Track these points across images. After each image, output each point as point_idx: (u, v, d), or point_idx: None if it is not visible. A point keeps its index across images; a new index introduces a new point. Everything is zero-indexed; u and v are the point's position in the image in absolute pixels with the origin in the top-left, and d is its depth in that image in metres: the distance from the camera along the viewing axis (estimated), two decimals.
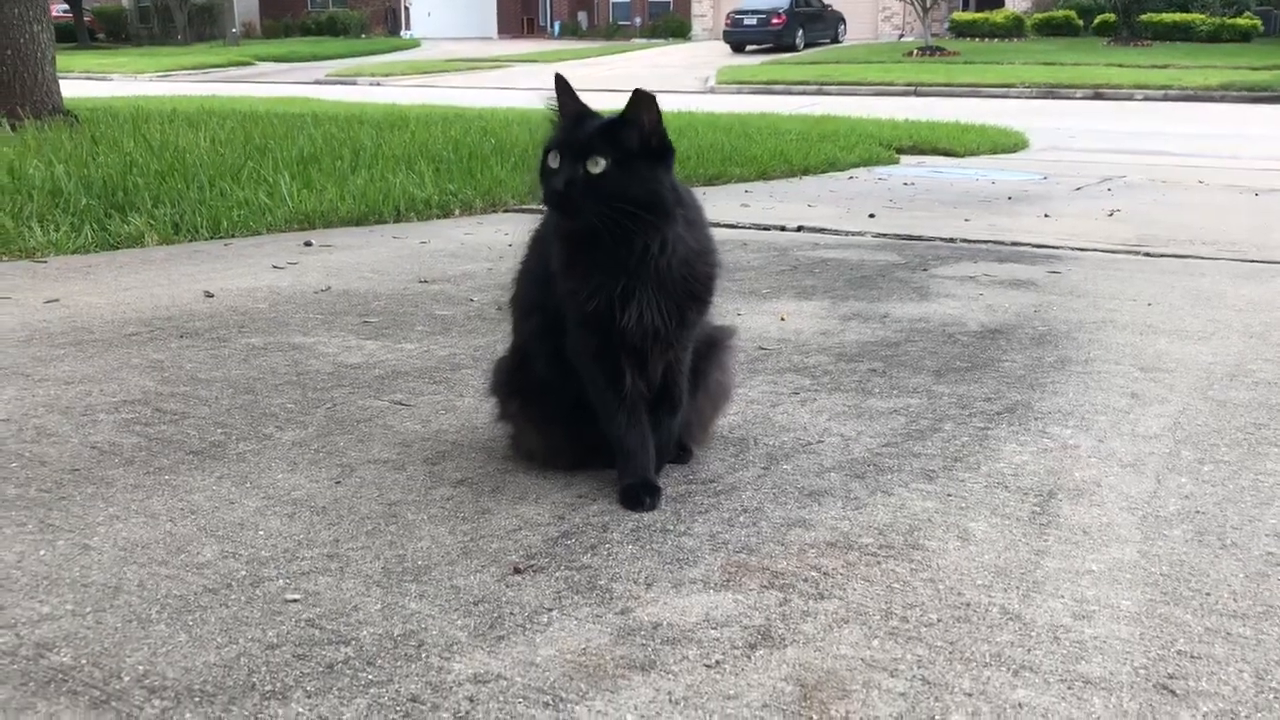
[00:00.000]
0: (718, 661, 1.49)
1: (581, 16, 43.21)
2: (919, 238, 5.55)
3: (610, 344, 1.96)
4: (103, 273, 4.22)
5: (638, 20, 41.96)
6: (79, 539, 1.82)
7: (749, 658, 1.50)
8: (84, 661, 1.45)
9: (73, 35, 39.85)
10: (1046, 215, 6.48)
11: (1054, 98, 20.71)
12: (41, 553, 1.77)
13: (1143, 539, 1.90)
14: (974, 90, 21.29)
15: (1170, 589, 1.71)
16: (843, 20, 35.24)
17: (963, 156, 10.84)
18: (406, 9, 43.26)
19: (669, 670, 1.46)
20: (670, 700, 1.39)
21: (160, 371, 2.83)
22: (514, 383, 2.15)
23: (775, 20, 31.64)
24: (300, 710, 1.35)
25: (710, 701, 1.39)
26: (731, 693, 1.41)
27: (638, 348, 1.97)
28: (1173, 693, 1.42)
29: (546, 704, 1.38)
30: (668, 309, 1.96)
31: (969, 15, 33.88)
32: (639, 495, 2.00)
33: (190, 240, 5.13)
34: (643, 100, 1.89)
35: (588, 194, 1.87)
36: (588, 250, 1.93)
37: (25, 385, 2.67)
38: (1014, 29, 32.32)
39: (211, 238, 5.20)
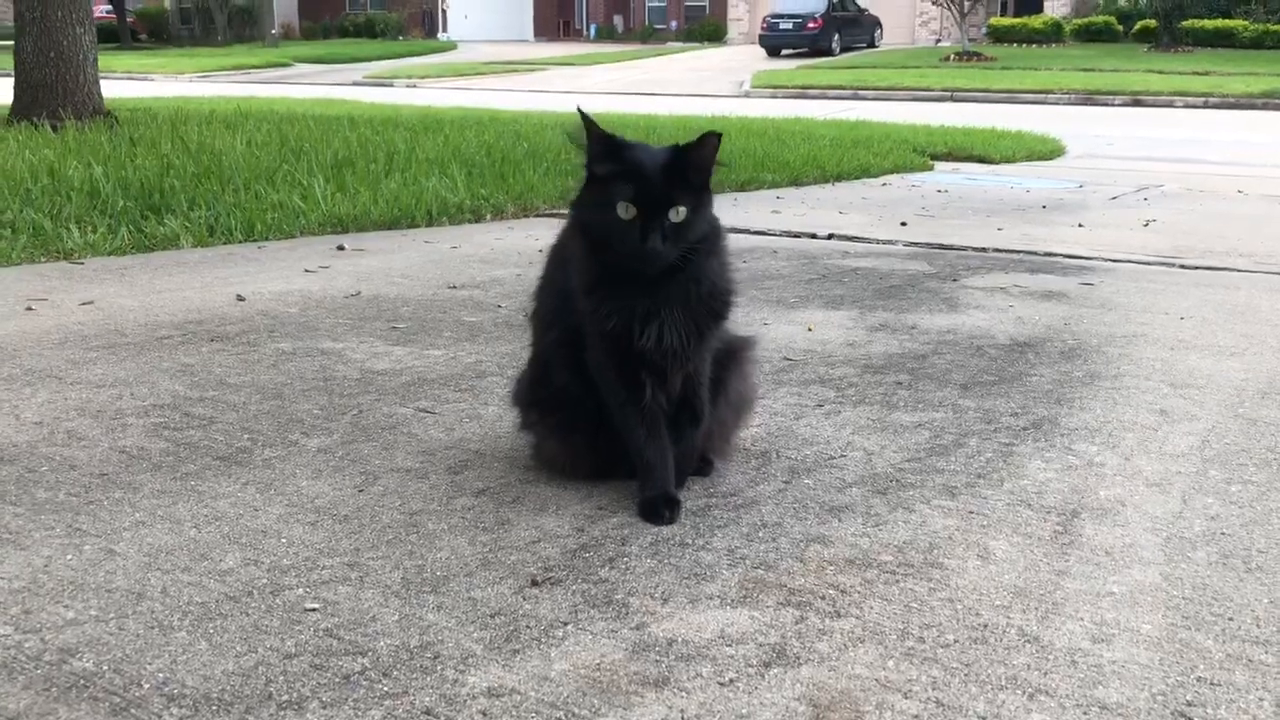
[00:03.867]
0: (731, 679, 1.49)
1: (617, 20, 43.28)
2: (950, 247, 5.51)
3: (629, 359, 1.97)
4: (137, 275, 4.28)
5: (674, 24, 41.98)
6: (105, 544, 1.85)
7: (763, 676, 1.50)
8: (105, 668, 1.47)
9: (115, 36, 40.36)
10: (1081, 225, 6.43)
11: (1092, 104, 20.53)
12: (69, 557, 1.80)
13: (1166, 561, 1.88)
14: (1011, 96, 21.14)
15: (1192, 613, 1.70)
16: (879, 25, 35.08)
17: (998, 163, 10.76)
18: (444, 11, 43.51)
19: (682, 687, 1.47)
20: (683, 718, 1.40)
21: (190, 376, 2.86)
22: (535, 393, 2.16)
23: (811, 24, 31.54)
24: None
25: None
26: (744, 711, 1.41)
27: (657, 365, 1.98)
28: None
29: None
30: (687, 329, 1.96)
31: (1007, 20, 33.65)
32: (658, 508, 2.00)
33: (225, 243, 5.18)
34: (712, 142, 1.91)
35: (671, 243, 1.89)
36: (602, 269, 1.94)
37: (58, 388, 2.71)
38: (1053, 34, 32.06)
39: (246, 240, 5.25)
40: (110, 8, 41.34)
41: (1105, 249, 5.47)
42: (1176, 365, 3.17)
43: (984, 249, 5.45)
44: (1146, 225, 6.39)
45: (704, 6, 42.02)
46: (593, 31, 43.05)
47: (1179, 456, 2.41)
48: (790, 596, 1.73)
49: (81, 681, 1.44)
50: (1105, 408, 2.76)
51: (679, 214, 1.89)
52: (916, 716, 1.41)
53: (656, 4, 43.26)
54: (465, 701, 1.42)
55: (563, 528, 1.97)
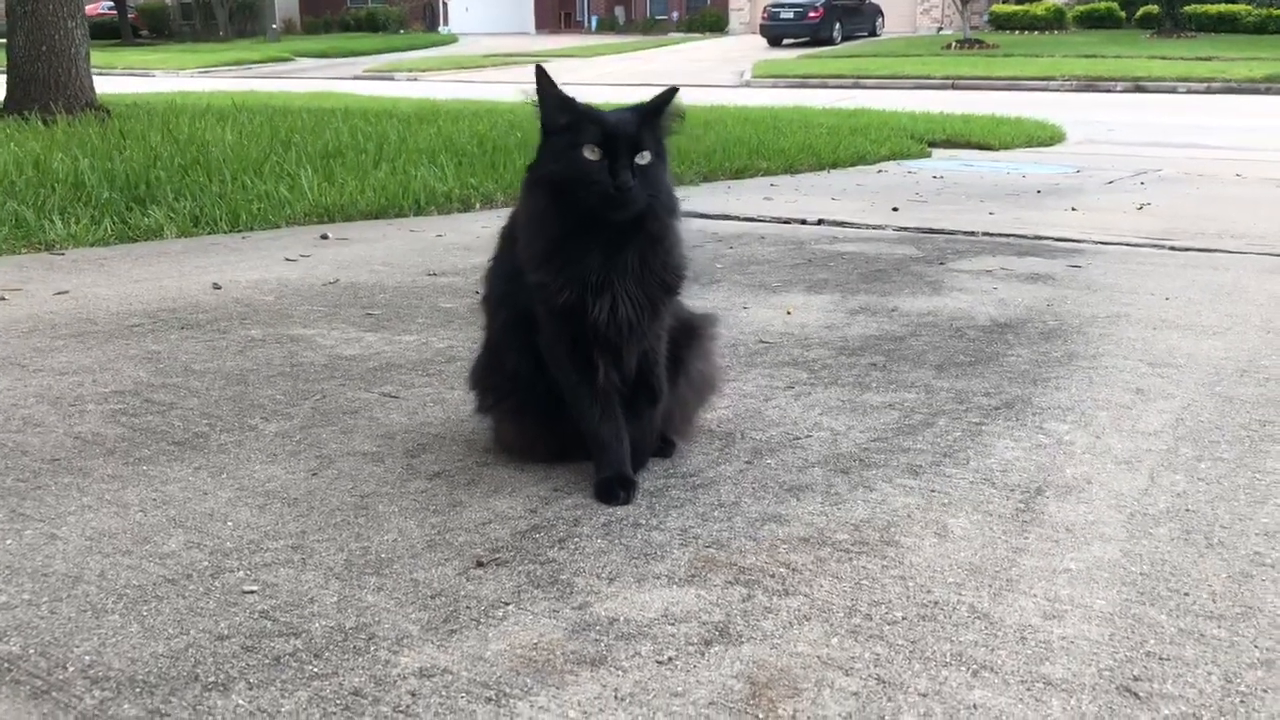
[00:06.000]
0: (670, 658, 1.46)
1: (619, 11, 43.15)
2: (940, 231, 5.47)
3: (582, 337, 1.94)
4: (117, 265, 4.25)
5: (675, 14, 41.84)
6: (48, 528, 1.82)
7: (703, 655, 1.47)
8: (31, 651, 1.45)
9: (117, 32, 40.36)
10: (1074, 209, 6.37)
11: (1094, 90, 20.42)
12: (8, 542, 1.77)
13: (1127, 537, 1.85)
14: (1013, 83, 21.04)
15: (1148, 588, 1.66)
16: (880, 13, 34.93)
17: (997, 150, 10.69)
18: (444, 4, 43.42)
19: (619, 666, 1.44)
20: (616, 697, 1.37)
21: (156, 363, 2.84)
22: (489, 377, 2.13)
23: (812, 14, 31.42)
24: (240, 702, 1.34)
25: (656, 699, 1.36)
26: (679, 690, 1.38)
27: (611, 341, 1.94)
28: (1135, 695, 1.38)
29: (489, 699, 1.36)
30: (640, 301, 1.93)
31: (1009, 8, 33.45)
32: (613, 489, 1.97)
33: (209, 233, 5.15)
34: (668, 94, 1.91)
35: (640, 185, 1.87)
36: (565, 240, 1.91)
37: (20, 376, 2.69)
38: (1055, 21, 31.89)
39: (230, 231, 5.22)
40: (112, 4, 41.34)
41: (1096, 232, 5.42)
42: (1157, 344, 3.13)
43: (973, 233, 5.40)
44: (1140, 209, 6.34)
45: None
46: (594, 23, 42.92)
47: (1151, 434, 2.38)
48: (740, 575, 1.70)
49: (5, 665, 1.41)
50: (1081, 387, 2.73)
51: (644, 157, 1.88)
52: (856, 694, 1.38)
53: None
54: (395, 682, 1.39)
55: (515, 509, 1.94)
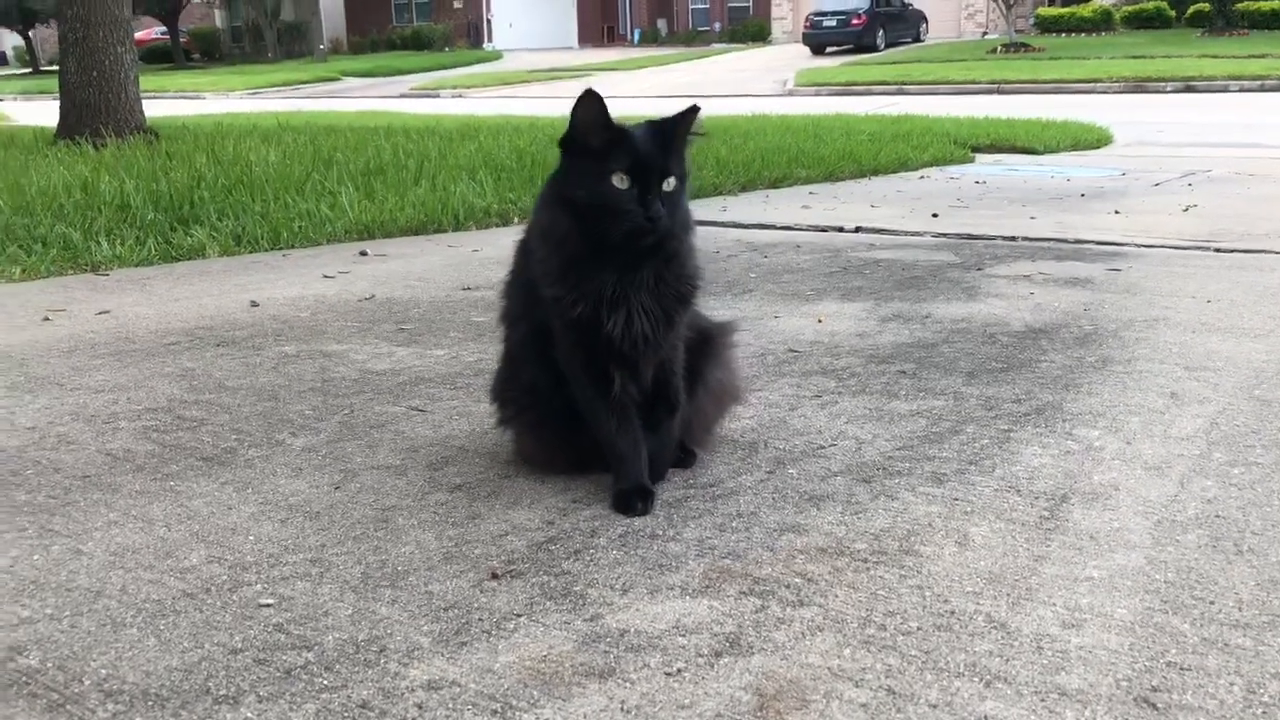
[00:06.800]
0: (679, 670, 1.45)
1: (661, 24, 43.27)
2: (979, 237, 5.42)
3: (597, 349, 1.94)
4: (158, 284, 4.33)
5: (717, 25, 41.88)
6: (74, 544, 1.85)
7: (712, 666, 1.46)
8: (50, 665, 1.47)
9: (169, 56, 41.18)
10: (1117, 212, 6.28)
11: (1143, 92, 20.11)
12: (35, 557, 1.81)
13: (1153, 544, 1.81)
14: (1059, 87, 20.79)
15: (1172, 597, 1.63)
16: (924, 19, 34.71)
17: (1042, 154, 10.56)
18: (489, 21, 43.81)
19: (627, 678, 1.43)
20: (622, 709, 1.36)
21: (190, 380, 2.88)
22: (509, 389, 2.14)
23: (855, 21, 31.30)
24: (249, 715, 1.35)
25: (663, 711, 1.36)
26: (686, 702, 1.38)
27: (626, 354, 1.94)
28: (1154, 706, 1.35)
29: (495, 711, 1.36)
30: (655, 314, 1.93)
31: (1055, 10, 33.08)
32: (631, 500, 1.97)
33: (250, 252, 5.22)
34: (691, 114, 1.90)
35: (668, 212, 1.87)
36: (580, 255, 1.90)
37: (58, 394, 2.74)
38: (1102, 23, 31.48)
39: (271, 249, 5.29)
40: (164, 29, 42.17)
41: (1139, 235, 5.33)
42: (1194, 348, 3.07)
43: (1013, 238, 5.34)
44: (1186, 210, 6.23)
45: (747, 7, 41.87)
46: (636, 36, 43.08)
47: (1183, 439, 2.33)
48: (754, 586, 1.69)
49: (24, 679, 1.44)
50: (1114, 392, 2.68)
51: (670, 184, 1.87)
52: (865, 705, 1.36)
53: (700, 6, 43.19)
54: (403, 694, 1.40)
55: (533, 521, 1.95)
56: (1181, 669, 1.43)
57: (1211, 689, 1.39)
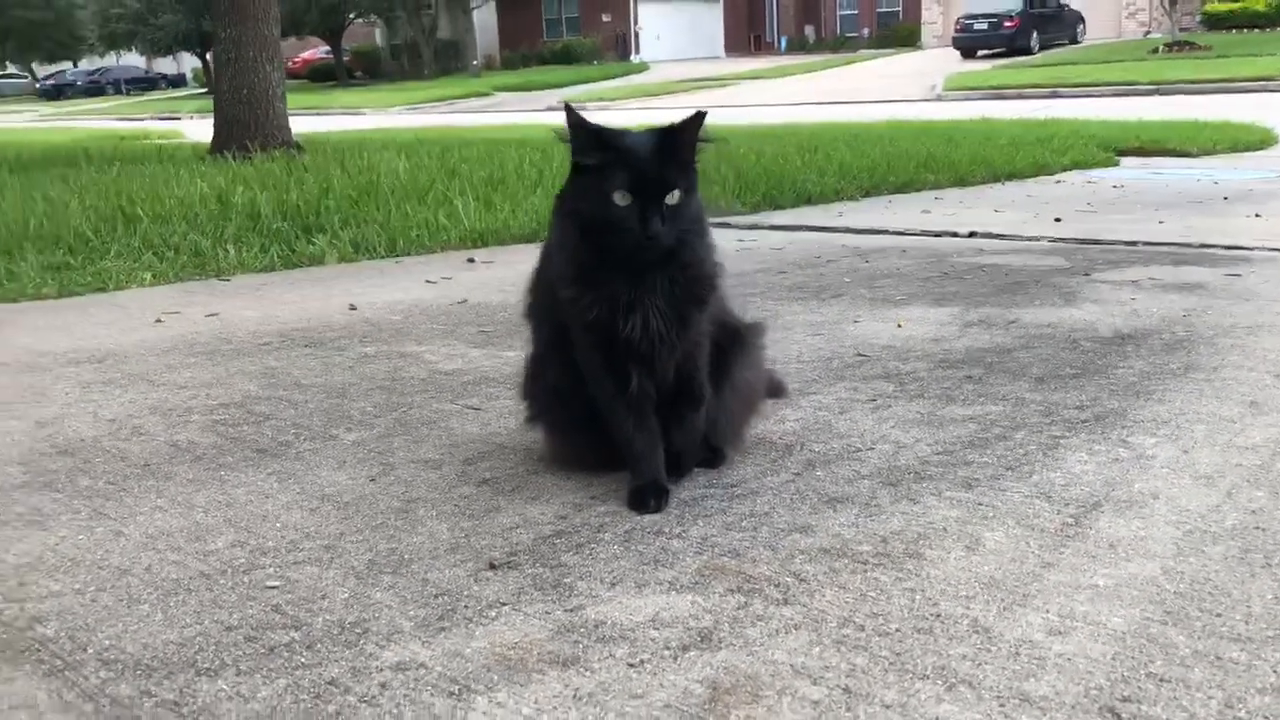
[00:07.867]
0: (642, 661, 1.46)
1: (808, 30, 42.97)
2: (1097, 241, 5.22)
3: (614, 349, 1.96)
4: (272, 289, 4.54)
5: (865, 31, 41.33)
6: (117, 526, 1.98)
7: (676, 659, 1.47)
8: (63, 635, 1.58)
9: (333, 74, 43.01)
10: (1258, 215, 5.97)
11: None
12: (80, 537, 1.93)
13: (1174, 554, 1.73)
14: (1224, 86, 19.79)
15: (1176, 608, 1.55)
16: (1081, 20, 33.50)
17: (1195, 156, 10.10)
18: (636, 34, 44.28)
19: (589, 667, 1.45)
20: (574, 697, 1.38)
21: (269, 377, 3.02)
22: (535, 389, 2.18)
23: (1008, 24, 30.45)
24: (223, 686, 1.43)
25: (613, 700, 1.37)
26: (639, 692, 1.39)
27: (643, 354, 1.96)
28: (1118, 716, 1.29)
29: (451, 693, 1.40)
30: (670, 316, 1.94)
31: (1224, 6, 31.48)
32: (645, 497, 1.98)
33: (368, 259, 5.42)
34: (696, 120, 1.90)
35: (670, 227, 1.88)
36: (595, 257, 1.93)
37: (144, 390, 2.92)
38: (1276, 17, 29.80)
39: (387, 256, 5.48)
40: (329, 49, 44.07)
41: (1273, 239, 5.05)
42: None
43: (1133, 243, 5.13)
44: None
45: (897, 12, 41.20)
46: (783, 44, 42.88)
47: (1247, 449, 2.21)
48: (744, 583, 1.68)
49: (36, 646, 1.55)
50: (1187, 399, 2.56)
51: (674, 197, 1.87)
52: (816, 703, 1.35)
53: (848, 12, 42.72)
54: (371, 674, 1.45)
55: (545, 515, 1.98)
56: (1161, 680, 1.37)
57: (1186, 701, 1.32)
